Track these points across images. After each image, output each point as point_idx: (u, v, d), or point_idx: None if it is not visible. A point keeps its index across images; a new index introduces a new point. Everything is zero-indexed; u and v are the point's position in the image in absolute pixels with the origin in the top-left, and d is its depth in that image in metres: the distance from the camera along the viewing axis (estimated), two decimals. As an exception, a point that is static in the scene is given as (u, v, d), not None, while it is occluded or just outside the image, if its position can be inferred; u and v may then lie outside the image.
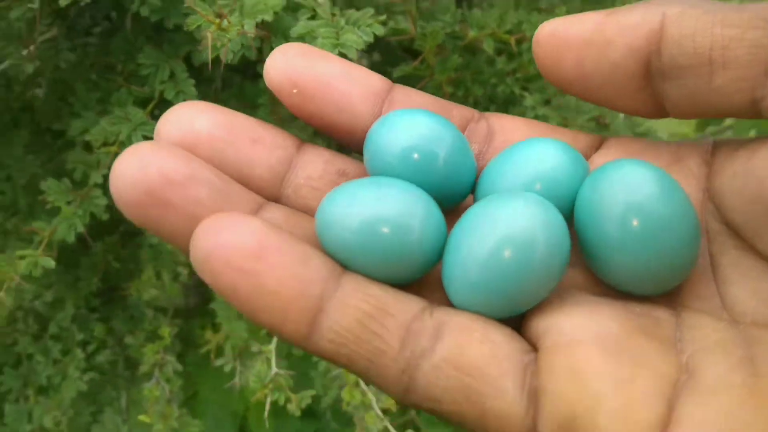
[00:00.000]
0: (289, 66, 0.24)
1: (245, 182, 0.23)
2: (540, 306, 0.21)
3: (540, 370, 0.20)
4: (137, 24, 0.61)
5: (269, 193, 0.24)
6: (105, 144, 0.49)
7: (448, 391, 0.20)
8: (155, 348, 0.72)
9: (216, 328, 0.73)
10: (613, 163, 0.22)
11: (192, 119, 0.23)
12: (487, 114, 0.27)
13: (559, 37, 0.23)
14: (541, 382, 0.19)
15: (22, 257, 0.48)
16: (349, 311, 0.20)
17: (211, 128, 0.23)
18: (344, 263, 0.21)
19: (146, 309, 0.75)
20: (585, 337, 0.19)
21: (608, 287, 0.23)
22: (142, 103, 0.56)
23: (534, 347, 0.21)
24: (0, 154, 0.56)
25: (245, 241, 0.19)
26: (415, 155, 0.23)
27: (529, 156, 0.23)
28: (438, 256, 0.22)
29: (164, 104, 0.55)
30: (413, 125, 0.23)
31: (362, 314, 0.20)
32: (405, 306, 0.21)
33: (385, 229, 0.21)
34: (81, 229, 0.51)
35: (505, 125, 0.26)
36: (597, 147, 0.26)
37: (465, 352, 0.20)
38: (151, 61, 0.54)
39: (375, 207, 0.21)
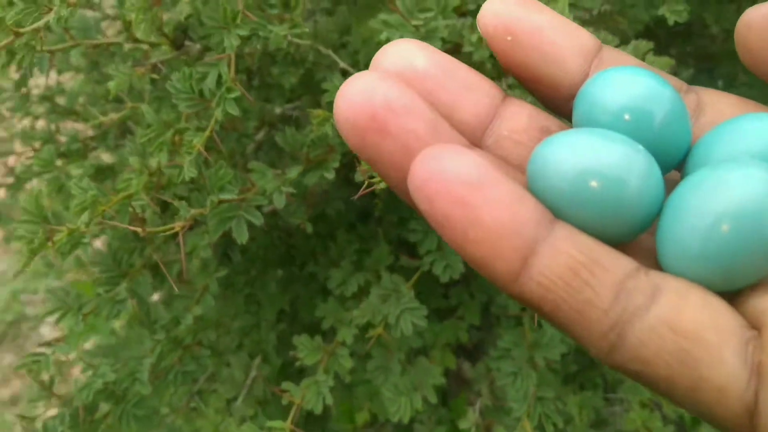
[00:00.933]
0: (506, 12, 0.24)
1: (451, 124, 0.23)
2: (759, 284, 0.20)
3: (765, 347, 0.19)
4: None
5: (471, 140, 0.23)
6: (371, 325, 0.47)
7: (661, 354, 0.19)
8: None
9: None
10: None
11: (412, 56, 0.23)
12: (697, 87, 0.25)
13: None
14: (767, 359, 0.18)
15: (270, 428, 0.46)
16: (561, 257, 0.19)
17: (429, 67, 0.23)
18: (555, 213, 0.21)
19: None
20: None
21: None
22: (402, 268, 0.54)
23: (753, 325, 0.20)
24: (255, 287, 0.57)
25: (465, 172, 0.19)
26: (630, 115, 0.22)
27: (752, 131, 0.22)
28: (653, 218, 0.21)
29: (429, 276, 0.53)
30: (632, 83, 0.22)
31: (575, 262, 0.19)
32: (619, 262, 0.20)
33: (602, 183, 0.20)
34: (329, 399, 0.49)
35: (716, 100, 0.25)
36: None
37: (684, 315, 0.19)
38: (421, 228, 0.52)
39: (593, 158, 0.20)
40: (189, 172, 0.37)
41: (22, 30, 0.33)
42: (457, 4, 0.48)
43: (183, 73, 0.40)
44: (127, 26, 0.46)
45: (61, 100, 0.88)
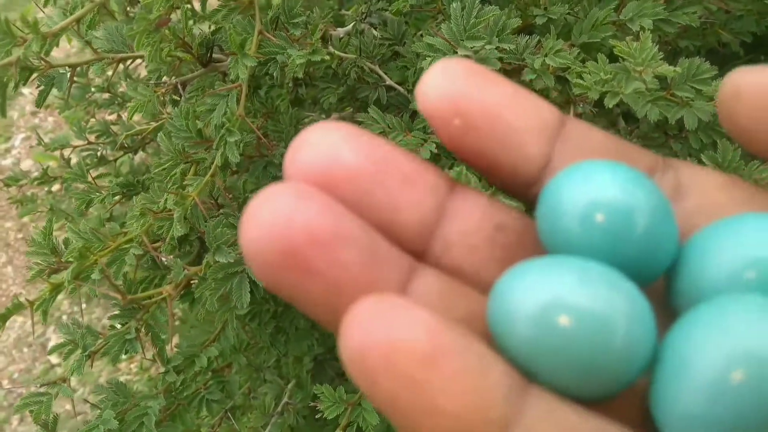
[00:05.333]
0: (453, 89, 0.20)
1: (390, 233, 0.19)
2: None
3: None
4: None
5: (415, 248, 0.20)
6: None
7: None
8: None
9: None
10: None
11: (338, 147, 0.19)
12: (674, 161, 0.22)
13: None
14: None
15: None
16: None
17: (359, 161, 0.19)
18: (523, 367, 0.17)
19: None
20: None
21: None
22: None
23: None
24: (283, 320, 0.53)
25: (415, 340, 0.15)
26: (606, 220, 0.19)
27: (755, 238, 0.19)
28: (644, 367, 0.18)
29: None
30: (605, 182, 0.19)
31: None
32: None
33: (581, 330, 0.17)
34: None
35: (699, 180, 0.22)
36: None
37: None
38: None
39: (567, 300, 0.17)
40: (176, 230, 0.32)
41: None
42: (517, 26, 0.41)
43: (181, 109, 0.35)
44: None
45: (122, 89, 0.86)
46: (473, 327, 0.18)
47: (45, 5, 0.37)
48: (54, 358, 1.98)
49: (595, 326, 0.17)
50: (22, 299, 0.35)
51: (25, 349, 2.02)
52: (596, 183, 0.19)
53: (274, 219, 0.16)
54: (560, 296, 0.17)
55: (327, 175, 0.19)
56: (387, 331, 0.15)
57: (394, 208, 0.19)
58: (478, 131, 0.20)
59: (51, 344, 2.00)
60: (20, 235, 2.29)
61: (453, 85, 0.20)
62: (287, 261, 0.17)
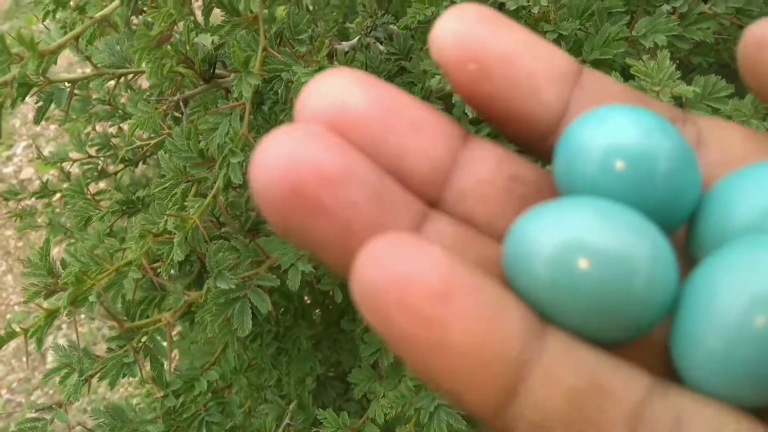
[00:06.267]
0: (467, 33, 0.19)
1: (402, 180, 0.19)
2: None
3: None
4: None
5: (427, 197, 0.19)
6: (401, 418, 0.41)
7: None
8: None
9: None
10: None
11: (346, 92, 0.18)
12: (693, 115, 0.22)
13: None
14: None
15: None
16: (558, 387, 0.16)
17: (369, 106, 0.18)
18: (540, 309, 0.17)
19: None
20: None
21: None
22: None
23: None
24: (285, 342, 0.52)
25: (428, 277, 0.15)
26: (628, 167, 0.18)
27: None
28: (665, 309, 0.17)
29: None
30: (625, 125, 0.18)
31: (575, 393, 0.16)
32: (628, 383, 0.16)
33: (601, 273, 0.16)
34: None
35: (720, 132, 0.21)
36: None
37: None
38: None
39: (587, 241, 0.16)
40: (176, 254, 0.31)
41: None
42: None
43: (182, 128, 0.34)
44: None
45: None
46: (488, 271, 0.17)
47: (44, 19, 0.37)
48: (53, 368, 1.96)
49: (616, 267, 0.16)
50: (16, 323, 0.33)
51: (25, 358, 2.01)
52: (616, 127, 0.18)
53: (282, 158, 0.16)
54: (579, 236, 0.16)
55: (336, 119, 0.18)
56: (400, 267, 0.15)
57: (405, 155, 0.19)
58: (493, 77, 0.19)
59: (50, 353, 1.98)
60: (20, 244, 2.28)
61: (467, 30, 0.19)
62: (296, 201, 0.16)
